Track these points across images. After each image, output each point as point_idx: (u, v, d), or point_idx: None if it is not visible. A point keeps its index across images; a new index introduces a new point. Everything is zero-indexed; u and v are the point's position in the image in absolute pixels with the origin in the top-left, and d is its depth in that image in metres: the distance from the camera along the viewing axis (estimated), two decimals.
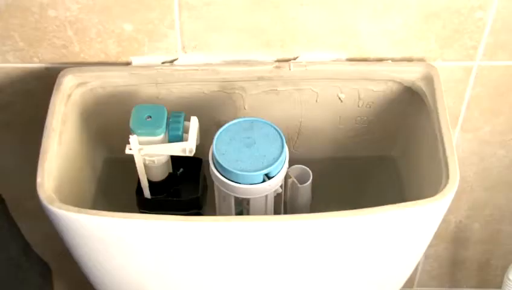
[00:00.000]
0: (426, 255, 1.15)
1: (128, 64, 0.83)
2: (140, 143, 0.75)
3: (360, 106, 0.85)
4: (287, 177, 0.79)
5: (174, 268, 0.75)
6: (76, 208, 0.69)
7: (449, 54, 0.83)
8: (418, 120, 0.83)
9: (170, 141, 0.76)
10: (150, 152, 0.76)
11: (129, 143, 0.74)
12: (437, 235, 1.09)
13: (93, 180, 0.85)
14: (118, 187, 0.85)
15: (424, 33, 0.81)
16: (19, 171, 0.93)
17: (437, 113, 0.78)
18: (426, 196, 0.71)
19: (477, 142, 0.94)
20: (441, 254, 1.15)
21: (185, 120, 0.77)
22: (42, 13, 0.78)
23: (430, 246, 1.12)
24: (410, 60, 0.83)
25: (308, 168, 0.81)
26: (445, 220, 1.07)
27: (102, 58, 0.83)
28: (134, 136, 0.74)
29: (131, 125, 0.75)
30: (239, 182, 0.73)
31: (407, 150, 0.87)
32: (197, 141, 0.76)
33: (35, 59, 0.83)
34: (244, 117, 0.77)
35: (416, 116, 0.83)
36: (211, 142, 0.75)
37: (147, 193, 0.81)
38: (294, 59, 0.83)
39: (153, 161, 0.78)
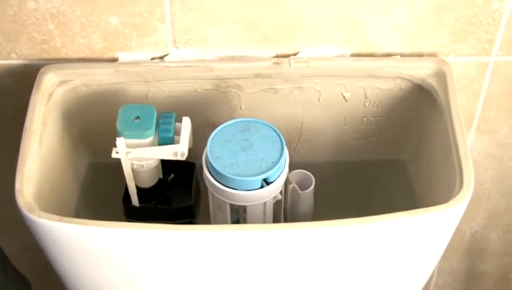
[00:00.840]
0: (439, 269, 1.15)
1: (114, 60, 0.84)
2: (128, 146, 0.75)
3: (367, 105, 0.86)
4: (287, 182, 0.79)
5: (164, 281, 0.75)
6: (58, 217, 0.69)
7: (463, 48, 0.84)
8: (429, 120, 0.83)
9: (160, 144, 0.76)
10: (139, 156, 0.76)
11: (115, 146, 0.75)
12: (451, 247, 1.10)
13: (76, 187, 0.86)
14: (103, 194, 0.85)
15: (435, 26, 0.82)
16: None
17: (450, 112, 0.78)
18: (439, 202, 0.71)
19: (494, 145, 0.95)
20: (455, 267, 1.15)
21: (176, 121, 0.77)
22: (21, 5, 0.79)
23: (443, 259, 1.13)
24: (420, 55, 0.84)
25: (310, 173, 0.81)
26: (459, 230, 1.08)
27: (86, 54, 0.83)
28: (121, 138, 0.74)
29: (117, 126, 0.75)
30: (235, 188, 0.74)
31: (418, 152, 0.87)
32: (189, 143, 0.76)
33: (14, 55, 0.83)
34: (240, 118, 0.77)
35: (427, 116, 0.84)
36: (205, 145, 0.75)
37: (135, 201, 0.81)
38: (295, 55, 0.84)
39: (142, 166, 0.78)
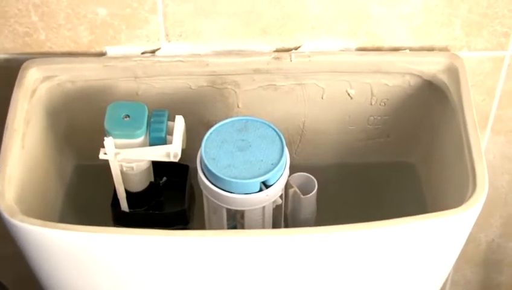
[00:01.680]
0: (453, 281, 1.16)
1: (102, 55, 0.84)
2: (117, 147, 0.76)
3: (373, 103, 0.87)
4: (288, 186, 0.79)
5: None
6: (41, 221, 0.70)
7: (476, 42, 0.84)
8: (440, 119, 0.84)
9: (151, 144, 0.77)
10: (128, 157, 0.77)
11: (103, 146, 0.75)
12: (465, 257, 1.10)
13: (61, 190, 0.87)
14: (89, 198, 0.86)
15: (447, 18, 0.82)
16: None
17: (463, 111, 0.79)
18: (450, 207, 0.72)
19: (510, 146, 0.95)
20: (470, 279, 1.15)
21: (168, 120, 0.78)
22: None
23: (457, 270, 1.13)
24: (431, 49, 0.85)
25: (312, 177, 0.82)
26: (474, 239, 1.08)
27: (72, 47, 0.84)
28: (110, 138, 0.75)
29: (106, 125, 0.76)
30: (232, 191, 0.74)
31: (428, 154, 0.88)
32: (182, 144, 0.77)
33: None
34: (237, 116, 0.78)
35: (438, 115, 0.84)
36: (199, 146, 0.76)
37: (124, 206, 0.82)
38: (296, 49, 0.84)
39: (132, 168, 0.79)
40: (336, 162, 0.91)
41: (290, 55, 0.83)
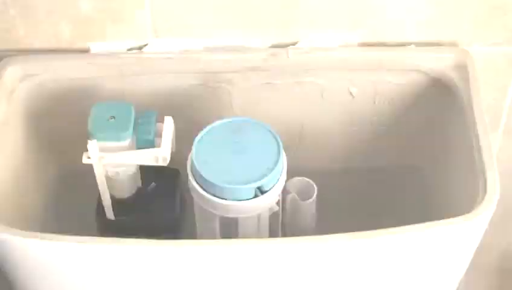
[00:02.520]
0: None
1: (85, 51, 0.85)
2: (101, 150, 0.76)
3: (377, 102, 0.87)
4: (285, 192, 0.80)
5: None
6: (21, 232, 0.70)
7: (487, 36, 0.85)
8: (448, 120, 0.85)
9: (139, 148, 0.77)
10: (114, 161, 0.77)
11: (87, 150, 0.76)
12: (478, 266, 1.10)
13: (42, 198, 0.87)
14: (73, 206, 0.86)
15: (455, 10, 0.83)
16: None
17: (472, 110, 0.79)
18: (459, 213, 0.72)
19: None
20: None
21: (157, 121, 0.78)
22: None
23: (469, 280, 1.13)
24: (438, 44, 0.85)
25: (311, 181, 0.82)
26: (488, 247, 1.08)
27: (53, 44, 0.84)
28: (94, 141, 0.75)
29: (89, 127, 0.76)
30: (225, 197, 0.74)
31: (436, 157, 0.89)
32: (172, 147, 0.77)
33: None
34: (231, 117, 0.78)
35: (446, 115, 0.85)
36: (190, 149, 0.76)
37: (109, 213, 0.82)
38: (294, 44, 0.85)
39: (118, 173, 0.79)
40: (336, 165, 0.92)
41: (287, 51, 0.83)
